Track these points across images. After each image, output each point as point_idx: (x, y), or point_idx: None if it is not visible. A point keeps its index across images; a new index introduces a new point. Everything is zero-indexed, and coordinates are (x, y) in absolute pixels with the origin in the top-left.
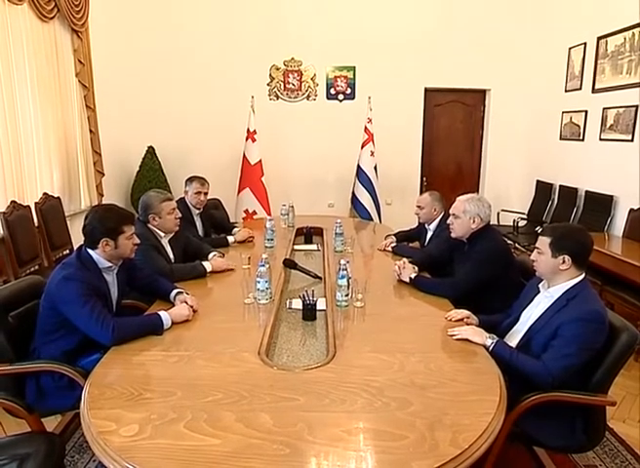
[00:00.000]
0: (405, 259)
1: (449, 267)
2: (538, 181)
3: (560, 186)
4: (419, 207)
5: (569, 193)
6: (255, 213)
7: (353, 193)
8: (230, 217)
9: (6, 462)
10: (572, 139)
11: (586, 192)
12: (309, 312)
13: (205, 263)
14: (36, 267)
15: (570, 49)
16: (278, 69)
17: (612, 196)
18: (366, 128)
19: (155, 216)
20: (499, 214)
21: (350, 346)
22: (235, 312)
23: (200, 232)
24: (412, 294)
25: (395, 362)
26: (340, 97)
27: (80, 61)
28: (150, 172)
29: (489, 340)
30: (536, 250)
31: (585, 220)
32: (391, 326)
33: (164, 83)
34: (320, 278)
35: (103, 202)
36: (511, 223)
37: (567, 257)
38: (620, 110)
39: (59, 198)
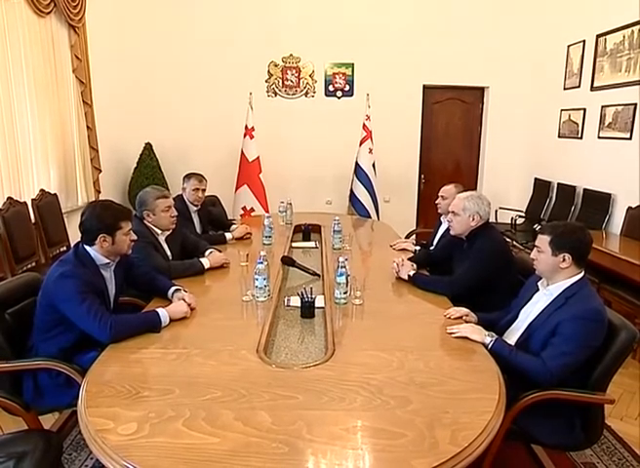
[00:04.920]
0: (403, 257)
1: (448, 265)
2: (536, 179)
3: (558, 184)
4: (441, 197)
5: (567, 191)
6: (252, 210)
7: (351, 190)
8: (228, 214)
9: (3, 460)
10: (570, 137)
11: (584, 190)
12: (308, 310)
13: (203, 260)
14: (33, 264)
15: (569, 46)
16: (276, 66)
17: (610, 194)
18: (364, 125)
19: (149, 213)
20: (497, 211)
21: (349, 344)
22: (233, 310)
23: (198, 229)
24: (410, 292)
25: (394, 360)
26: (339, 93)
27: (77, 57)
28: (148, 168)
29: (488, 338)
30: (535, 248)
31: (583, 218)
32: (390, 323)
33: (162, 79)
34: (318, 275)
35: (101, 198)
36: (509, 221)
37: (567, 256)
38: (619, 108)
39: (55, 194)
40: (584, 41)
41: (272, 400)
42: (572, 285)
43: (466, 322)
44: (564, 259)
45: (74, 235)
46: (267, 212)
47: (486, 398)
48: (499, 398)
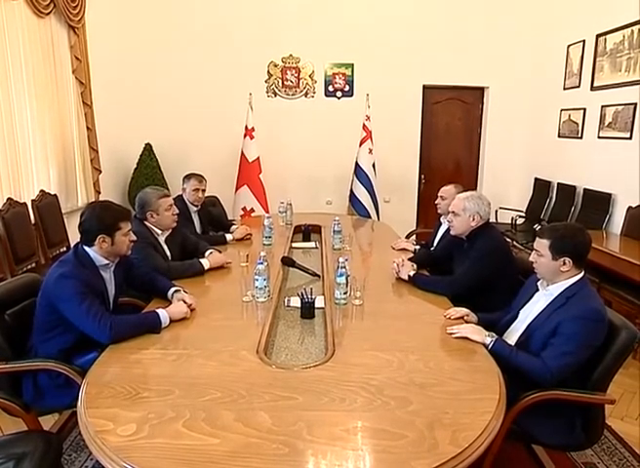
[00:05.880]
0: (404, 257)
1: (448, 265)
2: (536, 179)
3: (558, 184)
4: (441, 197)
5: (567, 191)
6: (253, 210)
7: (351, 191)
8: (228, 215)
9: (3, 461)
10: (570, 137)
11: (585, 190)
12: (308, 310)
13: (203, 261)
14: (33, 265)
15: (568, 46)
16: (276, 66)
17: (610, 194)
18: (364, 125)
19: (153, 213)
20: (497, 211)
21: (349, 344)
22: (233, 310)
23: (198, 229)
24: (410, 292)
25: (394, 360)
26: (339, 94)
27: (77, 58)
28: (148, 169)
29: (488, 338)
30: (535, 252)
31: (584, 218)
32: (390, 324)
33: (162, 80)
34: (318, 276)
35: (100, 199)
36: (509, 221)
37: (568, 260)
38: (619, 108)
39: (55, 195)
40: (584, 41)
41: (272, 400)
42: (572, 285)
43: (467, 322)
44: (564, 263)
45: (74, 236)
46: (267, 212)
47: (486, 398)
48: (499, 398)
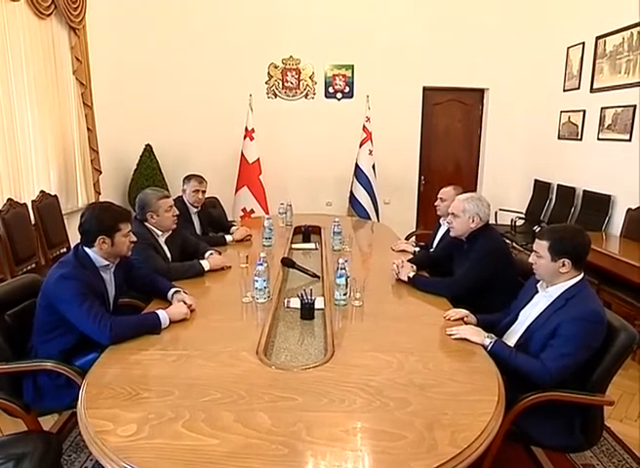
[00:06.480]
0: (403, 258)
1: (448, 266)
2: (536, 181)
3: (558, 186)
4: (440, 199)
5: (567, 193)
6: (252, 211)
7: (351, 192)
8: (228, 216)
9: (2, 462)
10: (570, 139)
11: (584, 192)
12: (307, 311)
13: (203, 262)
14: (33, 265)
15: (568, 48)
16: (276, 68)
17: (609, 196)
18: (364, 126)
19: (153, 214)
20: (496, 213)
21: (349, 345)
22: (233, 311)
23: (198, 230)
24: (410, 294)
25: (394, 361)
26: (339, 95)
27: (77, 59)
28: (148, 170)
29: (487, 340)
30: (534, 253)
31: (583, 220)
32: (390, 325)
33: (162, 81)
34: (318, 277)
35: (101, 200)
36: (509, 223)
37: (567, 261)
38: (619, 110)
39: (56, 196)
40: (584, 43)
41: (272, 401)
42: (571, 286)
43: (466, 323)
44: (564, 264)
45: (74, 236)
46: (267, 213)
47: (485, 399)
48: (498, 399)
